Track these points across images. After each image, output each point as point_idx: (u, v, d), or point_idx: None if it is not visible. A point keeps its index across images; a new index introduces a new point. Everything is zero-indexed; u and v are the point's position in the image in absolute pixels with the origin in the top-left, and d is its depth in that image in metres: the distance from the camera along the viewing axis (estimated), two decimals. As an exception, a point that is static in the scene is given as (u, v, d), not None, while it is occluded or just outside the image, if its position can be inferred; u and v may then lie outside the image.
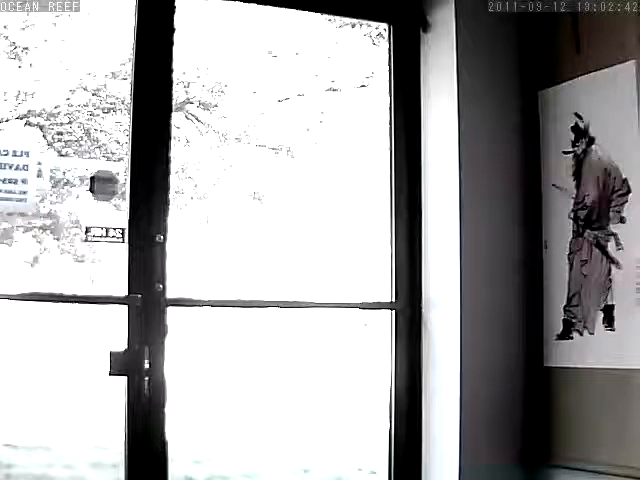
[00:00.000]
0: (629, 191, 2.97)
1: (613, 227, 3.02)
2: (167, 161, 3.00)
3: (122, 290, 2.91)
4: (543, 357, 3.23)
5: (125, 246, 2.95)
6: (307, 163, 4.69)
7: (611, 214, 3.02)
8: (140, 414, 2.87)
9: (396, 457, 3.29)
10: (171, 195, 3.00)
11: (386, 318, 3.34)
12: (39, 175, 3.50)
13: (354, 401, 5.30)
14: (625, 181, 2.98)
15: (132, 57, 2.99)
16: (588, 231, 3.10)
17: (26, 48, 4.16)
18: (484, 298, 3.21)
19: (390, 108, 3.41)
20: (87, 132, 4.34)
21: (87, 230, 3.33)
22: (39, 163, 3.49)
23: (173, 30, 3.03)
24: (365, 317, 4.38)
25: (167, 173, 3.00)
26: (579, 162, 3.15)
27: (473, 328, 3.18)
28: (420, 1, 3.39)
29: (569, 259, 3.17)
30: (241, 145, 4.60)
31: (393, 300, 3.34)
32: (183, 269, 3.29)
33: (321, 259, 4.59)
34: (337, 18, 4.17)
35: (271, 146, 4.62)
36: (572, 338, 3.13)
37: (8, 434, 4.64)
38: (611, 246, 3.02)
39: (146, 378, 2.87)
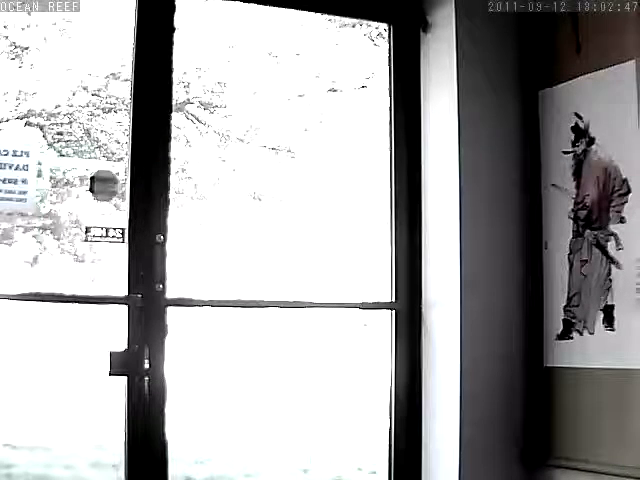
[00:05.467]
0: (629, 191, 2.97)
1: (613, 227, 3.02)
2: (167, 161, 3.00)
3: (122, 290, 2.91)
4: (543, 357, 3.22)
5: (125, 246, 2.95)
6: (307, 163, 4.69)
7: (611, 214, 3.02)
8: (140, 414, 2.87)
9: (396, 457, 3.29)
10: (171, 195, 3.00)
11: (386, 318, 3.34)
12: (39, 175, 3.50)
13: (354, 401, 5.29)
14: (625, 181, 2.98)
15: (132, 57, 2.99)
16: (588, 231, 3.10)
17: (26, 48, 4.15)
18: (484, 298, 3.21)
19: (390, 108, 3.41)
20: (87, 132, 4.34)
21: (87, 230, 3.33)
22: (39, 163, 3.49)
23: (173, 30, 3.03)
24: (365, 317, 4.38)
25: (167, 173, 3.00)
26: (579, 162, 3.15)
27: (473, 328, 3.18)
28: (420, 1, 3.39)
29: (569, 259, 3.16)
30: (241, 145, 4.60)
31: (393, 300, 3.34)
32: (183, 269, 3.28)
33: (321, 259, 4.59)
34: (337, 18, 4.16)
35: (271, 146, 4.62)
36: (572, 338, 3.13)
37: (8, 434, 4.64)
38: (611, 246, 3.02)
39: (146, 378, 2.87)
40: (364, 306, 3.50)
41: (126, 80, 4.09)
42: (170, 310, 2.95)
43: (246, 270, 4.41)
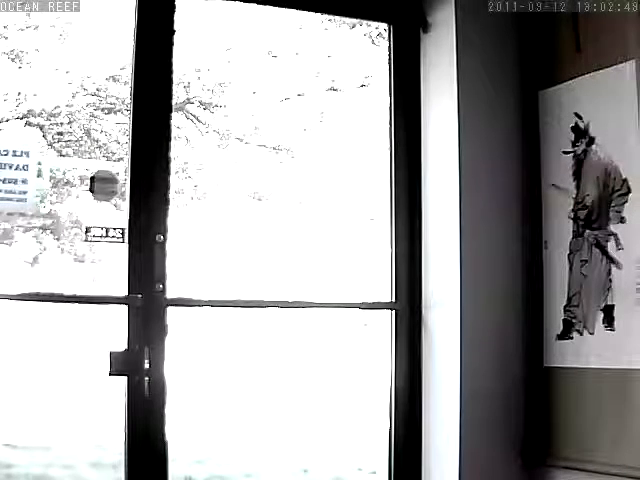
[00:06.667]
0: (629, 191, 2.97)
1: (613, 227, 3.02)
2: (167, 161, 3.00)
3: (122, 290, 2.91)
4: (543, 357, 3.22)
5: (125, 246, 2.95)
6: (307, 163, 4.69)
7: (611, 214, 3.02)
8: (140, 414, 2.87)
9: (396, 457, 3.29)
10: (171, 195, 3.00)
11: (386, 318, 3.34)
12: (39, 175, 3.50)
13: (354, 401, 5.30)
14: (625, 181, 2.98)
15: (132, 57, 2.99)
16: (588, 231, 3.10)
17: (27, 49, 4.16)
18: (484, 298, 3.21)
19: (390, 108, 3.41)
20: (87, 132, 4.34)
21: (87, 230, 3.33)
22: (39, 163, 3.49)
23: (173, 31, 3.03)
24: (365, 317, 4.38)
25: (167, 173, 3.00)
26: (579, 162, 3.15)
27: (473, 328, 3.18)
28: (420, 1, 3.39)
29: (569, 259, 3.16)
30: (241, 145, 4.60)
31: (393, 300, 3.34)
32: (183, 269, 3.29)
33: (321, 259, 4.59)
34: (337, 18, 4.17)
35: (271, 146, 4.62)
36: (572, 338, 3.13)
37: (8, 434, 4.64)
38: (611, 246, 3.02)
39: (146, 378, 2.86)
40: (364, 306, 3.50)
41: (126, 83, 4.10)
42: (170, 310, 2.95)
43: (246, 270, 4.41)
